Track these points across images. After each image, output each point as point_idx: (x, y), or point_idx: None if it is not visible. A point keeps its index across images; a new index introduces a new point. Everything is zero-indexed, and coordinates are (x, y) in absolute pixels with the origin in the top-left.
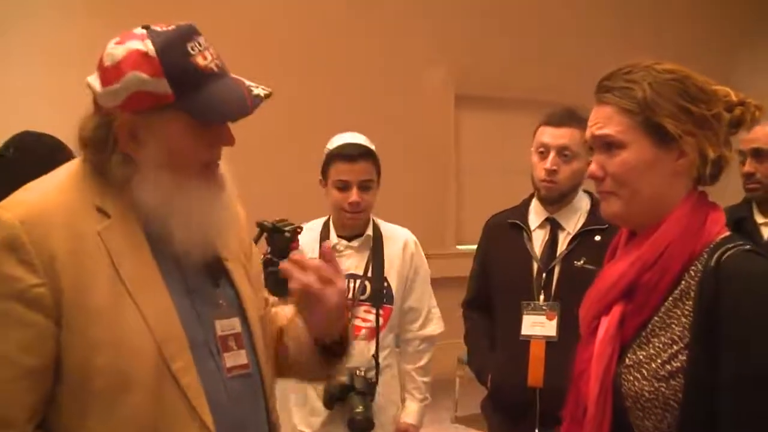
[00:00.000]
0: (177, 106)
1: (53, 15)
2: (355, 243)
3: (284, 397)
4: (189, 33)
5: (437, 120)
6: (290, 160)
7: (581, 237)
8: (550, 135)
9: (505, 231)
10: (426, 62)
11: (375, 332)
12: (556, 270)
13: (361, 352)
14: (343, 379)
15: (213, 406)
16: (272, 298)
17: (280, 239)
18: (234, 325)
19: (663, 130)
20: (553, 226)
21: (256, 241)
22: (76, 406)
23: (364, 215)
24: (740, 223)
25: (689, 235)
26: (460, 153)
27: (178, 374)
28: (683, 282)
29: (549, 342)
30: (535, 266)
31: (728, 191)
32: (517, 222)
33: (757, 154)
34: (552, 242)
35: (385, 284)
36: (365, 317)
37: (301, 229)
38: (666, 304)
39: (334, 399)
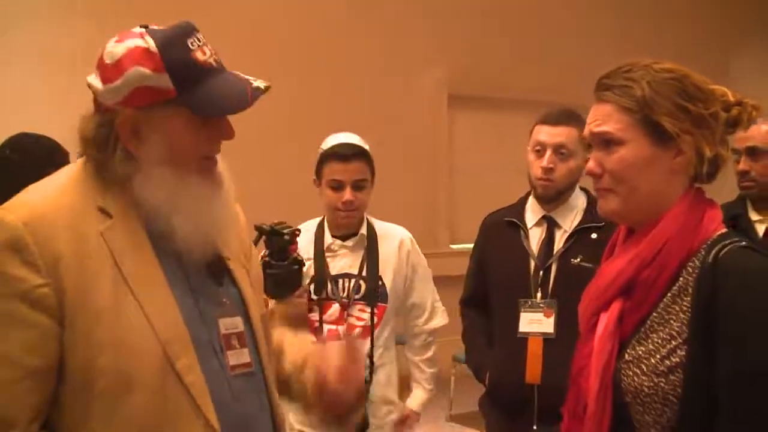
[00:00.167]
0: (178, 101)
1: (52, 16)
2: (349, 242)
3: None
4: (188, 29)
5: (431, 120)
6: (286, 159)
7: (578, 235)
8: (547, 133)
9: (502, 229)
10: (420, 62)
11: (369, 331)
12: (553, 267)
13: None
14: None
15: (217, 404)
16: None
17: (279, 242)
18: (237, 324)
19: (661, 128)
20: (550, 224)
21: (255, 243)
22: (79, 407)
23: (358, 214)
24: (735, 220)
25: (687, 232)
26: (453, 153)
27: (182, 372)
28: (681, 278)
29: (546, 339)
30: (532, 264)
31: (725, 189)
32: (514, 220)
33: (752, 152)
34: (549, 240)
35: (380, 283)
36: (360, 316)
37: (300, 231)
38: (664, 300)
39: None
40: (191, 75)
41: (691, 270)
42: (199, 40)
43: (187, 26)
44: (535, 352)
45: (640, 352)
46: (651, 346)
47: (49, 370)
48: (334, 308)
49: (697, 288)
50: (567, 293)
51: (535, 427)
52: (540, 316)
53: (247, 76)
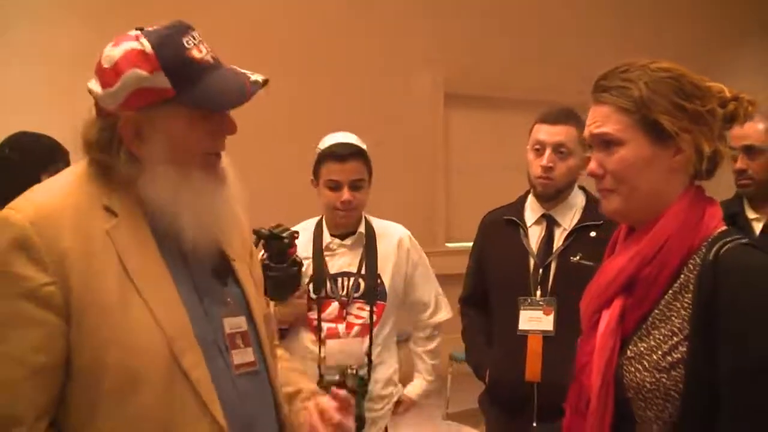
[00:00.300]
0: (177, 100)
1: (51, 17)
2: (348, 241)
3: None
4: (183, 28)
5: (428, 119)
6: (283, 158)
7: (577, 233)
8: (546, 132)
9: (501, 228)
10: (417, 62)
11: (368, 329)
12: (553, 266)
13: (353, 348)
14: (335, 377)
15: (223, 403)
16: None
17: (278, 245)
18: (241, 323)
19: (660, 127)
20: (549, 222)
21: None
22: (85, 405)
23: (356, 214)
24: (732, 218)
25: (687, 230)
26: (450, 152)
27: (188, 369)
28: (682, 275)
29: (546, 337)
30: (532, 262)
31: (721, 187)
32: (514, 218)
33: (749, 150)
34: (548, 238)
35: (379, 281)
36: (358, 314)
37: (298, 234)
38: (666, 297)
39: None
40: (188, 73)
41: (692, 267)
42: (194, 38)
43: (181, 25)
44: (534, 349)
45: (642, 349)
46: (653, 343)
47: (56, 369)
48: (333, 306)
49: (698, 285)
50: (566, 291)
51: (534, 425)
52: (539, 314)
53: (244, 71)
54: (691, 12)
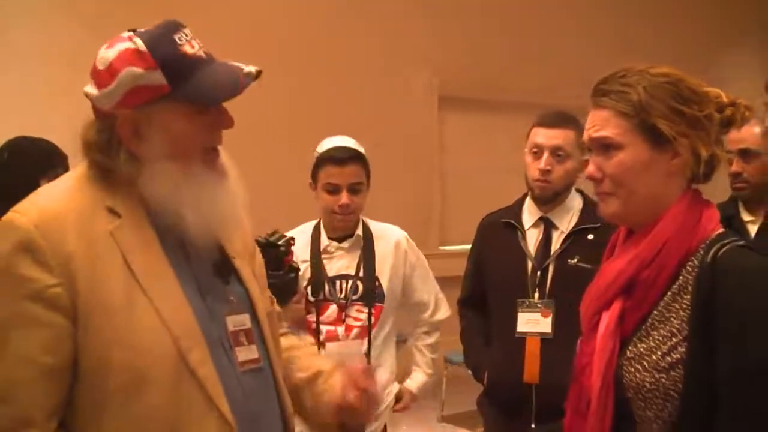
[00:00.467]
0: (173, 95)
1: (50, 18)
2: (345, 244)
3: None
4: (174, 26)
5: (421, 122)
6: (277, 160)
7: (574, 236)
8: (544, 136)
9: (499, 230)
10: (411, 64)
11: (367, 331)
12: (551, 268)
13: (352, 351)
14: None
15: (228, 399)
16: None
17: (275, 253)
18: (244, 321)
19: (658, 131)
20: (547, 225)
21: None
22: (93, 405)
23: (354, 217)
24: (728, 220)
25: (685, 232)
26: (444, 155)
27: (195, 367)
28: (681, 277)
29: (544, 339)
30: (530, 264)
31: (717, 190)
32: (511, 221)
33: (745, 154)
34: (546, 241)
35: (377, 283)
36: (357, 316)
37: (294, 241)
38: (665, 298)
39: None
40: (182, 68)
41: (690, 269)
42: (186, 35)
43: (173, 23)
44: (532, 351)
45: (642, 349)
46: (652, 343)
47: (64, 369)
48: (332, 309)
49: (696, 286)
50: (564, 293)
51: (533, 426)
52: (537, 316)
53: (238, 63)
54: (691, 12)
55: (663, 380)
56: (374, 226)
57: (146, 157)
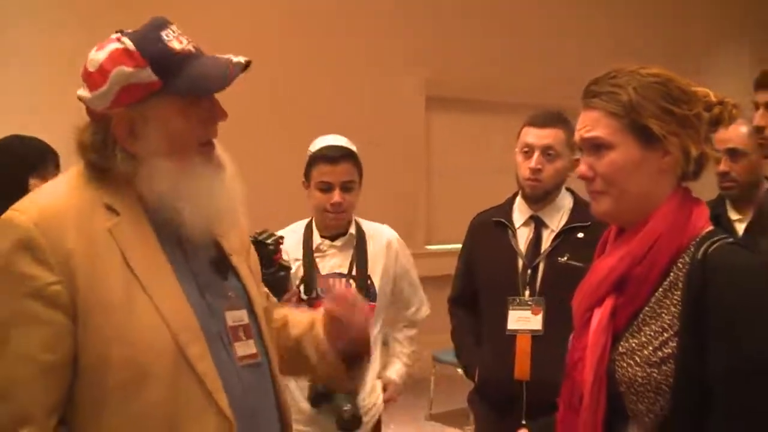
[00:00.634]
0: (165, 91)
1: (50, 19)
2: (338, 242)
3: None
4: (161, 23)
5: (408, 122)
6: (262, 160)
7: (564, 234)
8: (535, 135)
9: (489, 229)
10: (398, 64)
11: None
12: (541, 266)
13: None
14: None
15: (228, 394)
16: (275, 313)
17: (264, 252)
18: (242, 316)
19: (648, 131)
20: (537, 223)
21: None
22: (93, 401)
23: (347, 216)
24: (716, 219)
25: (676, 230)
26: (431, 154)
27: (194, 362)
28: (672, 274)
29: (535, 336)
30: (521, 263)
31: (705, 188)
32: (502, 220)
33: (733, 153)
34: (536, 239)
35: (369, 282)
36: None
37: (283, 239)
38: (656, 295)
39: (320, 397)
40: (171, 64)
41: (681, 266)
42: (173, 31)
43: (159, 21)
44: (523, 348)
45: (633, 344)
46: (644, 339)
47: (64, 367)
48: None
49: (687, 283)
50: (554, 291)
51: (524, 422)
52: (528, 313)
53: (227, 56)
54: (681, 12)
55: (654, 375)
56: (366, 225)
57: (143, 155)
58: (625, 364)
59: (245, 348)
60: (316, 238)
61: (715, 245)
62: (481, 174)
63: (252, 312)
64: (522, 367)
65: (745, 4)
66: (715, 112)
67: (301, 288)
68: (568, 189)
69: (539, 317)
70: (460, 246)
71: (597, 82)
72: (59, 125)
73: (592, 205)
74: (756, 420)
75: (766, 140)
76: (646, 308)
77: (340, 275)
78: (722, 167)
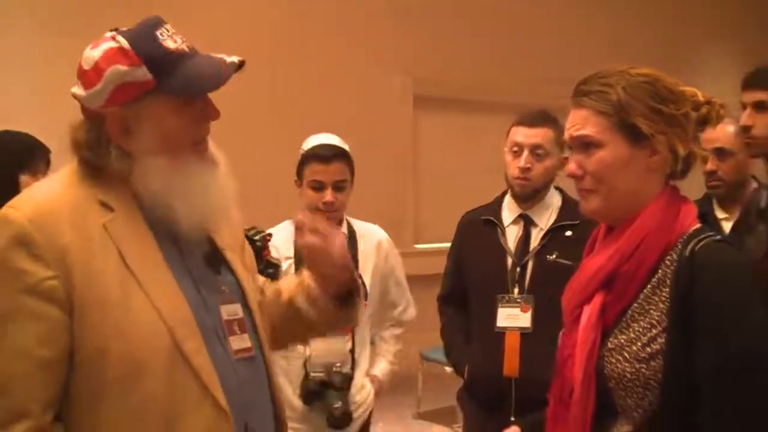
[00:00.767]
0: (160, 90)
1: (34, 20)
2: None
3: None
4: (156, 22)
5: (396, 121)
6: (248, 159)
7: (553, 232)
8: (524, 134)
9: (479, 227)
10: (386, 64)
11: (350, 327)
12: (530, 264)
13: (337, 347)
14: (321, 375)
15: (223, 388)
16: (268, 289)
17: (252, 248)
18: (237, 310)
19: (637, 129)
20: (526, 222)
21: None
22: (89, 396)
23: (338, 215)
24: (702, 217)
25: (664, 227)
26: (419, 154)
27: (190, 356)
28: (660, 271)
29: (524, 333)
30: (510, 261)
31: (693, 186)
32: (491, 218)
33: (720, 153)
34: (525, 237)
35: (361, 281)
36: None
37: (271, 236)
38: (644, 291)
39: (312, 395)
40: (166, 63)
41: (669, 263)
42: (167, 30)
43: (154, 20)
44: (512, 346)
45: (622, 341)
46: (632, 335)
47: (61, 362)
48: None
49: (675, 280)
50: (543, 289)
51: (512, 419)
52: (517, 311)
53: (220, 55)
54: (671, 11)
55: (643, 370)
56: (357, 225)
57: (137, 153)
58: (614, 360)
59: (240, 342)
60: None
61: (702, 243)
62: (469, 173)
63: (246, 306)
64: (511, 364)
65: (735, 3)
66: (703, 112)
67: None
68: (556, 188)
69: (528, 315)
70: (448, 245)
71: (586, 81)
72: (60, 125)
73: (582, 204)
74: (743, 417)
75: (752, 140)
76: (635, 305)
77: None
78: (709, 166)
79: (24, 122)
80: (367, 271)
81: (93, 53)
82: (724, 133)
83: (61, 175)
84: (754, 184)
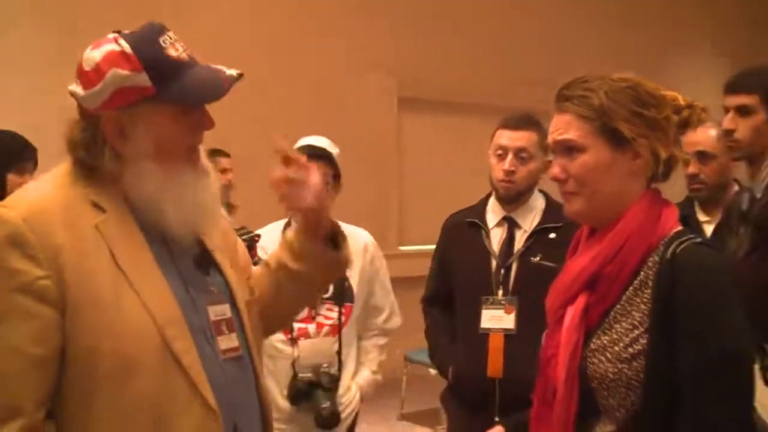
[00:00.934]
0: (158, 97)
1: (27, 21)
2: None
3: None
4: (159, 29)
5: (380, 123)
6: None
7: (537, 235)
8: (508, 138)
9: (463, 230)
10: (370, 65)
11: (337, 329)
12: (514, 266)
13: (325, 348)
14: (309, 375)
15: (212, 387)
16: (257, 283)
17: None
18: (225, 310)
19: (619, 133)
20: (510, 224)
21: None
22: (81, 393)
23: None
24: (684, 220)
25: (646, 230)
26: (403, 155)
27: (179, 355)
28: (642, 273)
29: (507, 334)
30: (494, 263)
31: (675, 189)
32: (476, 221)
33: (702, 156)
34: (509, 240)
35: (346, 283)
36: (328, 315)
37: (259, 237)
38: (627, 293)
39: (300, 395)
40: (167, 71)
41: (651, 265)
42: (170, 38)
43: (157, 26)
44: (496, 347)
45: (605, 341)
46: (615, 336)
47: (53, 360)
48: None
49: (656, 282)
50: (527, 290)
51: (497, 419)
52: (501, 312)
53: (220, 66)
54: (651, 13)
55: (625, 370)
56: (343, 228)
57: (130, 157)
58: (596, 361)
59: (228, 341)
60: None
61: (683, 245)
62: (452, 175)
63: (234, 306)
64: (495, 364)
65: (713, 8)
66: (684, 115)
67: None
68: (540, 190)
69: (512, 316)
70: (432, 247)
71: (569, 86)
72: (59, 125)
73: (565, 206)
74: (723, 419)
75: (734, 143)
76: (618, 306)
77: None
78: (691, 169)
79: (24, 122)
80: (353, 273)
81: (94, 54)
82: (705, 136)
83: (53, 175)
84: (736, 187)
